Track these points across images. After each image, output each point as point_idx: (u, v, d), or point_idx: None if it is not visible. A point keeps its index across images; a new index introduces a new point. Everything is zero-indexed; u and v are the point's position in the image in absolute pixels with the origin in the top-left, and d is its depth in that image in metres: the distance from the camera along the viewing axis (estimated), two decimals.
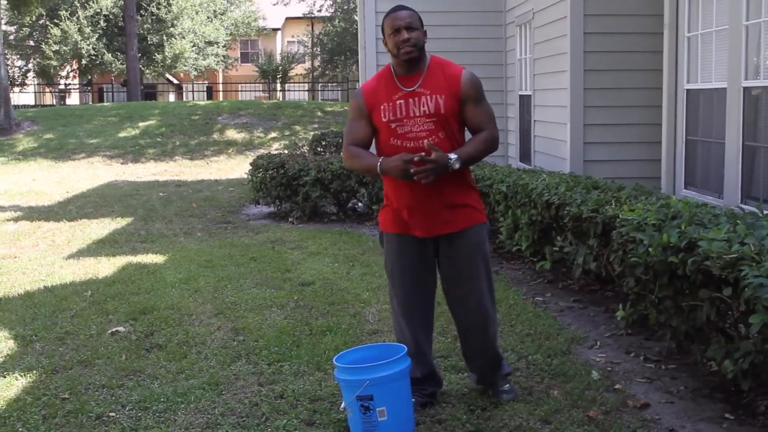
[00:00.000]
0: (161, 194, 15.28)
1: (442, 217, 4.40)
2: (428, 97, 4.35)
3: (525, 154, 11.40)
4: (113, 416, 4.57)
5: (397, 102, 4.37)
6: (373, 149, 4.55)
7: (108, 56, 40.05)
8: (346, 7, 38.60)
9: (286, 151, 19.98)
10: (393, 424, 4.09)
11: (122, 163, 21.26)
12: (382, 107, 4.38)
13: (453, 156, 4.24)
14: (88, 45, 39.47)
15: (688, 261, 4.24)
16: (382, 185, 4.72)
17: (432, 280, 4.60)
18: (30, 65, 45.19)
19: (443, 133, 4.35)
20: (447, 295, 4.63)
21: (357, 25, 15.86)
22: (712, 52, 7.37)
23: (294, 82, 46.98)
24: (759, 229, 4.21)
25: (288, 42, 54.07)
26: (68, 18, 39.32)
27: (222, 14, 45.72)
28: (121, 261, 8.87)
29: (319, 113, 26.33)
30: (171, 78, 49.02)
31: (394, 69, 4.46)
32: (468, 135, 4.51)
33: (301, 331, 6.05)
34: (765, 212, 4.65)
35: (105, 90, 47.46)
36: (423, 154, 4.20)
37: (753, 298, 3.64)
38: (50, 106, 41.31)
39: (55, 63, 40.97)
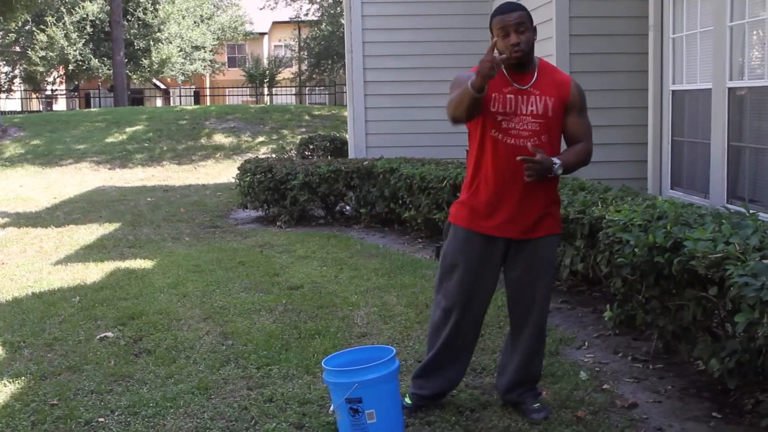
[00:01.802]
0: (149, 199, 15.25)
1: (529, 221, 4.29)
2: (538, 97, 4.27)
3: None
4: (102, 422, 4.56)
5: (507, 96, 4.25)
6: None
7: (95, 62, 39.93)
8: (332, 11, 38.57)
9: (273, 155, 20.02)
10: (382, 427, 4.09)
11: (110, 169, 21.21)
12: (493, 95, 4.23)
13: (557, 161, 4.19)
14: (75, 50, 39.35)
15: (674, 261, 4.27)
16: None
17: (491, 285, 4.46)
18: (16, 71, 45.03)
19: (546, 136, 4.27)
20: (513, 303, 4.48)
21: (344, 28, 15.87)
22: (697, 53, 7.41)
23: (281, 86, 46.92)
24: (744, 228, 4.24)
25: (275, 46, 54.05)
26: (54, 24, 39.20)
27: (209, 19, 45.67)
28: (109, 266, 8.85)
29: (307, 117, 26.32)
30: (158, 83, 48.94)
31: (505, 63, 4.27)
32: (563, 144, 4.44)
33: (289, 335, 6.05)
34: (750, 212, 4.68)
35: (92, 95, 47.36)
36: (521, 156, 4.12)
37: (738, 297, 3.67)
38: (37, 112, 41.19)
39: (41, 69, 40.83)
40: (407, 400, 4.55)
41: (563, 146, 4.43)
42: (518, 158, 4.10)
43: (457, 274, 4.38)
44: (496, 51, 4.14)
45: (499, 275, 4.47)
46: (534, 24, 4.28)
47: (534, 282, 4.37)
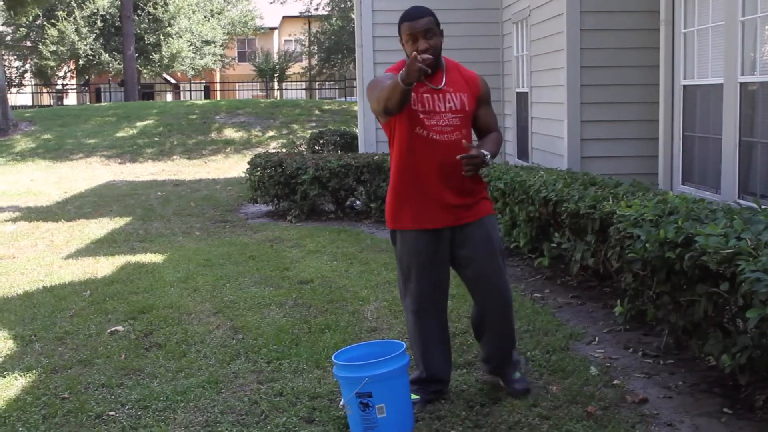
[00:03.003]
0: (159, 194, 15.28)
1: (465, 206, 4.51)
2: (453, 94, 4.49)
3: (522, 151, 11.42)
4: (113, 415, 4.58)
5: (425, 95, 4.44)
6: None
7: (105, 56, 40.01)
8: (342, 6, 38.56)
9: (284, 150, 20.03)
10: (392, 421, 4.10)
11: (120, 163, 21.26)
12: (411, 96, 4.37)
13: (486, 152, 4.35)
14: (85, 45, 39.43)
15: (685, 256, 4.26)
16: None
17: (447, 275, 4.66)
18: (27, 66, 45.14)
19: (466, 130, 4.52)
20: (470, 282, 4.65)
21: (354, 23, 15.84)
22: (709, 48, 7.38)
23: (291, 81, 46.93)
24: (755, 224, 4.22)
25: (285, 41, 54.02)
26: (65, 18, 39.27)
27: (219, 13, 45.65)
28: (119, 261, 8.88)
29: (317, 112, 26.34)
30: (168, 77, 48.98)
31: None
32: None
33: (300, 329, 6.06)
34: (762, 207, 4.66)
35: (102, 90, 47.43)
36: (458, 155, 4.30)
37: (750, 293, 3.65)
38: (48, 106, 41.26)
39: (52, 63, 40.93)
40: (413, 396, 4.56)
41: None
42: (458, 157, 4.27)
43: (416, 274, 4.55)
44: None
45: (448, 265, 4.67)
46: (441, 27, 4.51)
47: (485, 258, 4.55)
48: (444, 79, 4.50)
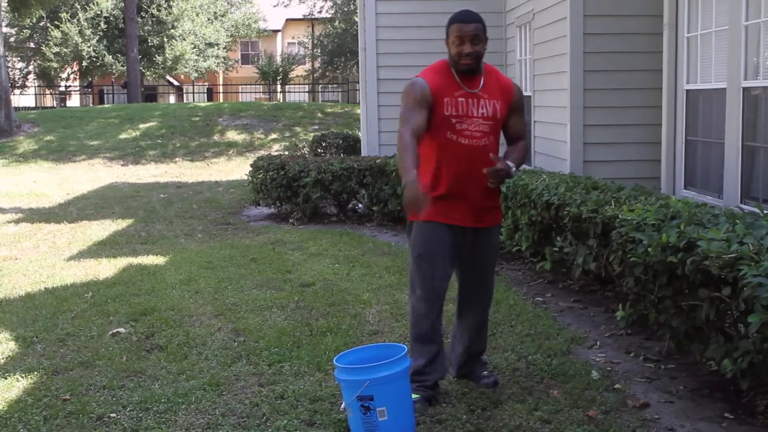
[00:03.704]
0: (162, 196, 15.29)
1: (483, 211, 4.67)
2: (487, 100, 4.62)
3: None
4: (114, 417, 4.58)
5: (459, 99, 4.57)
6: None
7: (108, 58, 40.08)
8: (346, 9, 38.57)
9: (286, 153, 20.04)
10: (393, 424, 4.10)
11: (123, 165, 21.28)
12: (445, 101, 4.54)
13: (512, 164, 4.56)
14: (89, 47, 39.50)
15: (687, 261, 4.26)
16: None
17: (452, 270, 4.76)
18: (30, 67, 45.25)
19: (494, 137, 4.65)
20: (468, 282, 4.83)
21: (357, 26, 15.85)
22: (712, 52, 7.38)
23: (294, 84, 46.96)
24: (758, 228, 4.22)
25: (288, 43, 54.07)
26: (69, 20, 39.36)
27: (222, 16, 45.74)
28: (121, 262, 8.88)
29: (320, 114, 26.35)
30: (171, 80, 49.05)
31: (454, 68, 4.62)
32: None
33: (301, 332, 6.06)
34: (764, 212, 4.66)
35: (105, 92, 47.49)
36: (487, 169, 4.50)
37: (752, 298, 3.65)
38: (51, 108, 41.29)
39: (55, 65, 41.01)
40: (413, 395, 4.56)
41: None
42: (484, 170, 4.47)
43: (426, 264, 4.64)
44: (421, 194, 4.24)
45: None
46: (487, 35, 4.67)
47: (486, 265, 4.82)
48: (481, 84, 4.63)
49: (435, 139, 4.58)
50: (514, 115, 4.77)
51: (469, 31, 4.52)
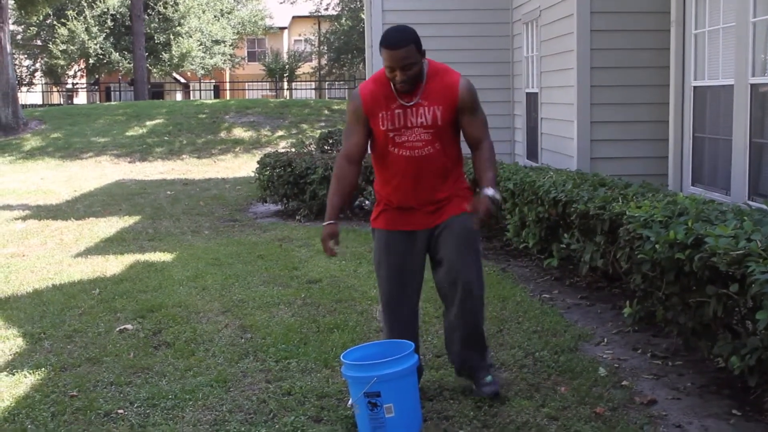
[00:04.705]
0: (169, 193, 15.31)
1: (437, 210, 4.53)
2: (426, 108, 4.41)
3: (532, 152, 11.40)
4: (121, 413, 4.59)
5: (395, 111, 4.43)
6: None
7: (115, 55, 40.11)
8: (352, 6, 38.59)
9: (293, 150, 20.01)
10: (400, 421, 4.10)
11: (130, 162, 21.30)
12: (380, 115, 4.43)
13: (490, 191, 4.30)
14: (96, 44, 39.54)
15: (694, 257, 4.25)
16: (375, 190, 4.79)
17: (416, 277, 4.68)
18: (37, 65, 45.30)
19: (439, 144, 4.45)
20: (443, 280, 4.64)
21: (364, 23, 15.84)
22: (719, 49, 7.36)
23: (301, 81, 46.97)
24: (766, 225, 4.21)
25: (295, 41, 54.07)
26: (75, 17, 39.39)
27: (229, 13, 45.74)
28: (128, 259, 8.89)
29: (326, 111, 26.35)
30: (178, 77, 49.07)
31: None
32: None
33: (308, 329, 6.06)
34: None
35: (112, 89, 47.52)
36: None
37: (760, 295, 3.64)
38: (58, 105, 41.35)
39: (62, 62, 41.05)
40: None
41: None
42: (474, 227, 4.36)
43: (384, 271, 4.65)
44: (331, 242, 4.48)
45: (422, 262, 4.69)
46: (422, 48, 4.38)
47: (457, 258, 4.51)
48: (420, 92, 4.41)
49: (378, 153, 4.54)
50: (465, 116, 4.48)
51: (398, 58, 4.26)
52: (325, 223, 4.47)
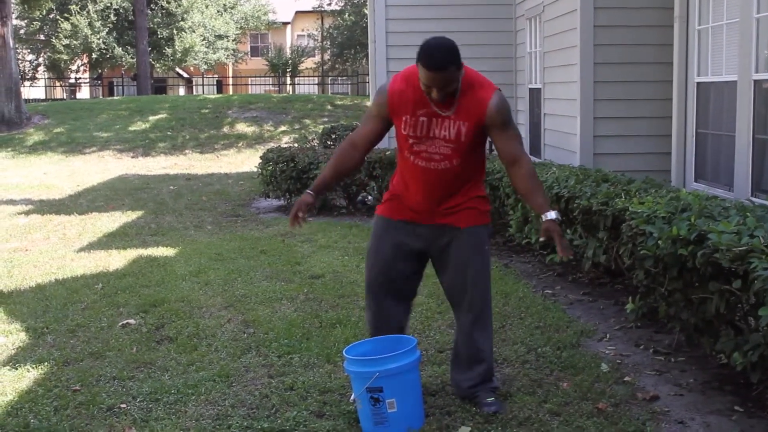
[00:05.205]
0: (171, 188, 15.31)
1: (441, 210, 4.37)
2: (452, 121, 4.19)
3: (535, 148, 11.40)
4: (124, 408, 4.59)
5: (420, 119, 4.22)
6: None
7: (118, 50, 40.14)
8: (355, 1, 38.58)
9: (296, 145, 20.01)
10: (402, 416, 4.10)
11: (132, 157, 21.30)
12: (404, 119, 4.24)
13: (553, 216, 4.18)
14: (99, 39, 39.56)
15: (697, 253, 4.25)
16: (390, 179, 4.70)
17: (404, 272, 4.52)
18: (40, 59, 45.30)
19: (458, 159, 4.26)
20: (446, 290, 4.59)
21: (367, 18, 15.84)
22: (723, 44, 7.35)
23: (304, 76, 46.99)
24: None
25: (298, 36, 54.09)
26: (78, 12, 39.41)
27: (232, 8, 45.76)
28: (131, 254, 8.90)
29: (329, 107, 26.33)
30: (181, 72, 49.09)
31: None
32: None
33: (311, 324, 6.06)
34: None
35: (115, 84, 47.57)
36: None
37: (762, 291, 3.65)
38: (60, 100, 41.36)
39: (65, 57, 41.06)
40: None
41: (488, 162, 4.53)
42: (568, 254, 4.16)
43: (371, 256, 4.56)
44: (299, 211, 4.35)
45: (416, 264, 4.54)
46: (461, 61, 4.13)
47: (460, 271, 4.40)
48: (452, 108, 4.19)
49: (399, 150, 4.44)
50: (494, 132, 4.25)
51: (438, 79, 4.03)
52: (306, 193, 4.37)
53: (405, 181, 4.43)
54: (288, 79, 46.73)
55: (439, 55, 4.02)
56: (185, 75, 50.33)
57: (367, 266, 4.60)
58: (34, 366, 5.31)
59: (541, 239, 4.25)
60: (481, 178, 4.51)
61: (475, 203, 4.41)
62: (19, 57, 41.01)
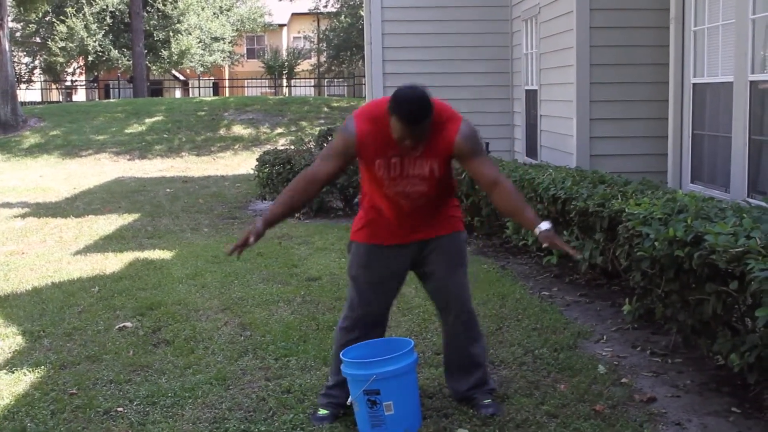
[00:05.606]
0: (168, 190, 15.30)
1: (423, 226, 4.36)
2: (423, 159, 4.16)
3: (531, 149, 11.40)
4: (121, 411, 4.59)
5: (392, 160, 4.15)
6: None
7: (114, 53, 40.07)
8: (351, 3, 38.56)
9: (292, 147, 19.96)
10: (400, 419, 4.10)
11: (129, 160, 21.28)
12: (376, 162, 4.17)
13: (547, 226, 4.09)
14: (95, 41, 39.49)
15: (694, 255, 4.25)
16: (360, 201, 4.65)
17: (395, 290, 4.54)
18: (36, 62, 45.22)
19: (434, 190, 4.26)
20: (432, 296, 4.58)
21: (363, 20, 15.84)
22: (719, 46, 7.36)
23: (300, 78, 46.96)
24: (765, 222, 4.21)
25: (294, 38, 54.07)
26: (74, 15, 39.32)
27: (228, 10, 45.71)
28: (128, 257, 8.89)
29: (326, 109, 26.32)
30: (177, 74, 49.05)
31: None
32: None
33: (307, 326, 6.06)
34: None
35: (111, 86, 47.47)
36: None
37: (759, 292, 3.64)
38: (57, 102, 41.30)
39: (61, 60, 40.98)
40: (322, 411, 4.44)
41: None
42: (575, 255, 4.13)
43: (360, 285, 4.47)
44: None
45: (405, 277, 4.54)
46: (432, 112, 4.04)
47: (446, 275, 4.41)
48: (422, 148, 4.12)
49: (374, 191, 4.34)
50: (466, 163, 4.21)
51: (415, 132, 3.98)
52: (255, 225, 4.30)
53: (377, 208, 4.37)
54: (284, 81, 46.70)
55: (417, 110, 3.95)
56: (181, 77, 50.30)
57: (359, 301, 4.48)
58: (30, 369, 5.30)
59: (544, 246, 4.20)
60: (453, 193, 4.52)
61: (451, 212, 4.47)
62: (15, 59, 40.97)
